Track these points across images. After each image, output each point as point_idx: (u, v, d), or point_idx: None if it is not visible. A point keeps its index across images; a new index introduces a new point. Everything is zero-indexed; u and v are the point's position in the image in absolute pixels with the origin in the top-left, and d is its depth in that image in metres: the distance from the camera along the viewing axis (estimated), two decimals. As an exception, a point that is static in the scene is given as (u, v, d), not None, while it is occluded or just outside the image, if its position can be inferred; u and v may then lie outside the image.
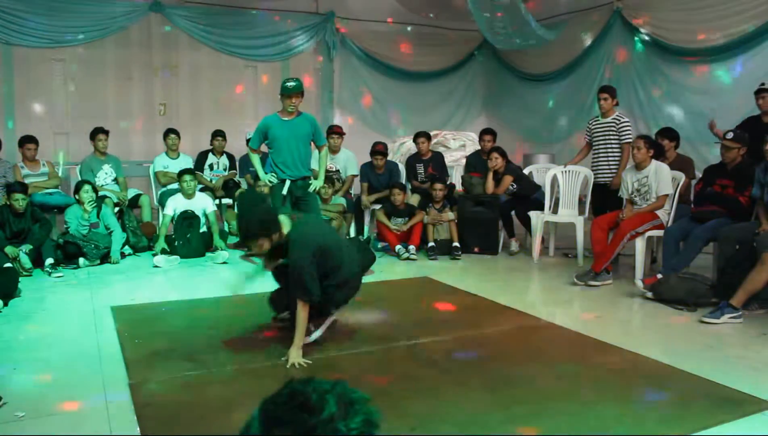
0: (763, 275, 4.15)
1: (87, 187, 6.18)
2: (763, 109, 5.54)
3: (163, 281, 5.59)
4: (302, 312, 3.41)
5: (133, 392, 3.00)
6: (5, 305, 4.47)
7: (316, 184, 5.56)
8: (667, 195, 5.35)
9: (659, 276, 4.87)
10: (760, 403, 2.88)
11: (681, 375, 3.24)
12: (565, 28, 8.96)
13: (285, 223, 3.41)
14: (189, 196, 6.51)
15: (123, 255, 6.26)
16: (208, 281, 5.52)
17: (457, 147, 8.45)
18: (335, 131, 7.31)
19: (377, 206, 7.00)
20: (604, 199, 6.19)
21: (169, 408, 2.90)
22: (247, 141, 6.07)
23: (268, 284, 3.99)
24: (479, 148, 7.45)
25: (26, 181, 6.48)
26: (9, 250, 5.41)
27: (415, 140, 7.42)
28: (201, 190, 6.93)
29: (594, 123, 6.41)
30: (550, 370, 3.36)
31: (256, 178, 6.18)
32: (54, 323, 4.20)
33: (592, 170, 6.37)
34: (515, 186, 6.77)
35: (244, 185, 7.63)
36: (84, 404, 2.89)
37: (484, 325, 4.21)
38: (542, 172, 7.19)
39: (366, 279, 4.93)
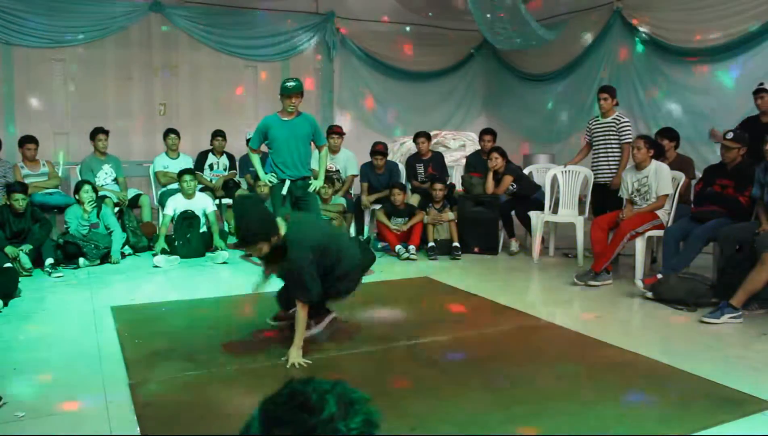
0: (763, 275, 4.15)
1: (87, 187, 6.18)
2: (761, 109, 5.54)
3: (163, 281, 5.59)
4: (302, 312, 3.41)
5: (133, 392, 3.00)
6: (5, 305, 4.48)
7: (316, 184, 5.56)
8: (667, 195, 5.35)
9: (659, 276, 4.87)
10: (760, 403, 2.88)
11: (681, 375, 3.24)
12: (565, 28, 8.96)
13: (281, 225, 3.41)
14: (189, 196, 6.51)
15: (123, 255, 6.26)
16: (208, 281, 5.52)
17: (457, 147, 8.45)
18: (335, 131, 7.31)
19: (377, 206, 7.00)
20: (604, 199, 6.19)
21: (169, 408, 2.90)
22: (247, 141, 6.07)
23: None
24: (479, 148, 7.45)
25: (26, 181, 6.48)
26: (9, 250, 5.41)
27: (415, 140, 7.42)
28: (201, 190, 6.93)
29: (594, 123, 6.41)
30: (550, 370, 3.36)
31: (256, 178, 6.18)
32: (54, 323, 4.20)
33: (592, 170, 6.37)
34: (515, 186, 6.77)
35: (244, 185, 7.63)
36: (84, 404, 2.89)
37: (484, 325, 4.21)
38: (542, 172, 7.19)
39: (366, 279, 4.93)
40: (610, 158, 6.22)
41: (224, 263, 6.13)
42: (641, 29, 8.16)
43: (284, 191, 5.40)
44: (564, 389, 3.08)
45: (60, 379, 3.18)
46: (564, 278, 5.50)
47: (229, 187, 7.47)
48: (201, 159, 7.69)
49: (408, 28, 10.25)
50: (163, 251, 6.10)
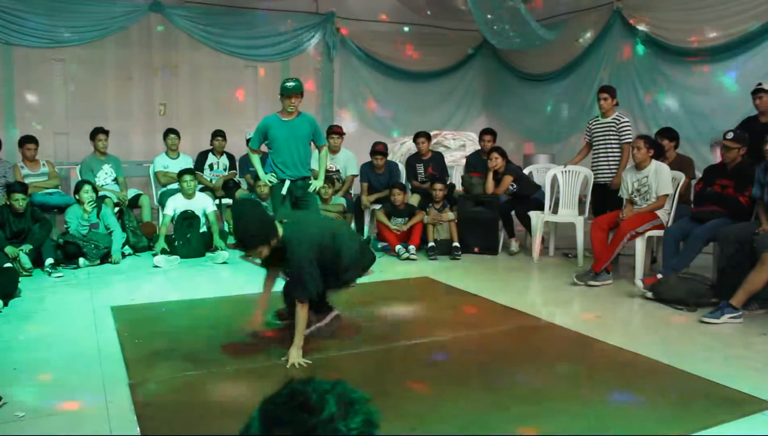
0: (763, 275, 4.15)
1: (87, 187, 6.18)
2: (760, 109, 5.54)
3: (163, 281, 5.59)
4: (302, 312, 3.41)
5: (133, 392, 3.00)
6: (5, 305, 4.48)
7: (316, 184, 5.56)
8: (667, 195, 5.35)
9: (659, 276, 4.87)
10: (760, 403, 2.88)
11: (681, 375, 3.24)
12: (565, 28, 8.96)
13: (278, 227, 3.41)
14: (189, 196, 6.51)
15: (123, 255, 6.26)
16: (208, 281, 5.52)
17: (457, 147, 8.45)
18: (335, 131, 7.31)
19: (377, 206, 7.00)
20: (604, 199, 6.19)
21: (169, 408, 2.90)
22: (247, 141, 6.07)
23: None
24: (479, 148, 7.45)
25: (26, 181, 6.48)
26: (9, 250, 5.41)
27: (415, 140, 7.42)
28: (201, 190, 6.93)
29: (594, 123, 6.41)
30: (550, 370, 3.36)
31: (256, 178, 6.18)
32: (54, 323, 4.20)
33: (592, 170, 6.37)
34: (515, 186, 6.77)
35: (244, 185, 7.63)
36: (84, 404, 2.89)
37: (484, 325, 4.21)
38: (542, 172, 7.19)
39: (366, 279, 4.93)
40: (610, 158, 6.22)
41: (224, 263, 6.13)
42: (641, 29, 8.17)
43: (284, 191, 5.39)
44: (564, 389, 3.08)
45: (60, 379, 3.18)
46: (564, 278, 5.50)
47: (229, 187, 7.47)
48: (201, 159, 7.68)
49: (408, 28, 10.26)
50: (163, 251, 6.10)
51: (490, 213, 6.65)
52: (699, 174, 5.70)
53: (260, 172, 5.59)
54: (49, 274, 5.54)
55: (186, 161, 7.49)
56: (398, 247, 6.40)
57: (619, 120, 6.19)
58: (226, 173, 7.71)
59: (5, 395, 2.86)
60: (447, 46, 10.51)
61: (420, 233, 6.53)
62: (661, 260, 5.39)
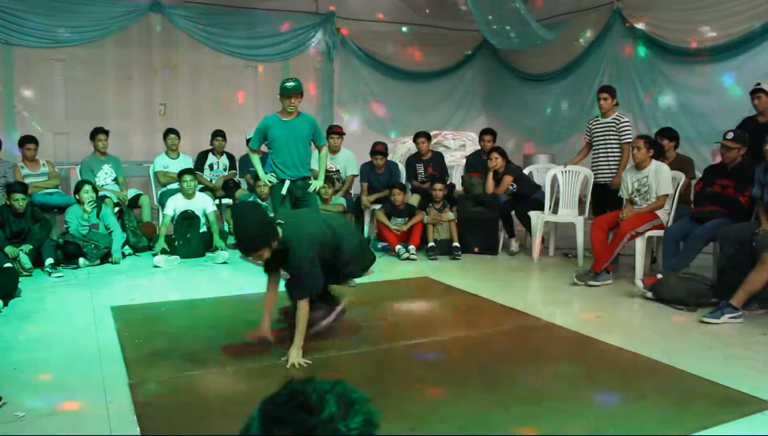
0: (763, 275, 4.15)
1: (87, 187, 6.18)
2: (758, 109, 5.54)
3: (163, 281, 5.59)
4: (302, 311, 3.41)
5: (133, 392, 3.00)
6: (5, 305, 4.48)
7: (316, 184, 5.56)
8: (667, 195, 5.35)
9: (659, 276, 4.87)
10: (760, 403, 2.88)
11: (681, 375, 3.24)
12: (565, 28, 8.96)
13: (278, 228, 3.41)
14: (189, 196, 6.51)
15: (123, 255, 6.25)
16: (208, 281, 5.53)
17: (457, 147, 8.45)
18: (335, 131, 7.31)
19: (377, 206, 7.00)
20: (604, 199, 6.19)
21: (169, 408, 2.90)
22: (247, 141, 6.07)
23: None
24: (479, 148, 7.45)
25: (26, 181, 6.48)
26: (9, 250, 5.41)
27: (415, 140, 7.42)
28: (201, 190, 6.93)
29: (594, 123, 6.41)
30: (550, 370, 3.36)
31: (256, 178, 6.18)
32: (54, 323, 4.20)
33: (592, 170, 6.37)
34: (515, 186, 6.77)
35: (244, 185, 7.63)
36: (84, 404, 2.89)
37: (484, 325, 4.21)
38: (542, 172, 7.19)
39: (366, 279, 4.93)
40: (610, 158, 6.22)
41: (224, 263, 6.13)
42: (641, 29, 8.16)
43: (284, 191, 5.39)
44: (564, 389, 3.08)
45: (60, 379, 3.18)
46: (564, 278, 5.50)
47: (229, 187, 7.47)
48: (201, 159, 7.69)
49: (408, 28, 10.26)
50: (163, 251, 6.10)
51: (490, 213, 6.65)
52: (699, 174, 5.70)
53: (260, 172, 5.59)
54: (49, 274, 5.54)
55: (186, 161, 7.49)
56: (398, 247, 6.40)
57: (619, 120, 6.19)
58: (226, 173, 7.71)
59: (5, 395, 2.86)
60: (447, 46, 10.51)
61: (420, 233, 6.53)
62: (661, 260, 5.39)
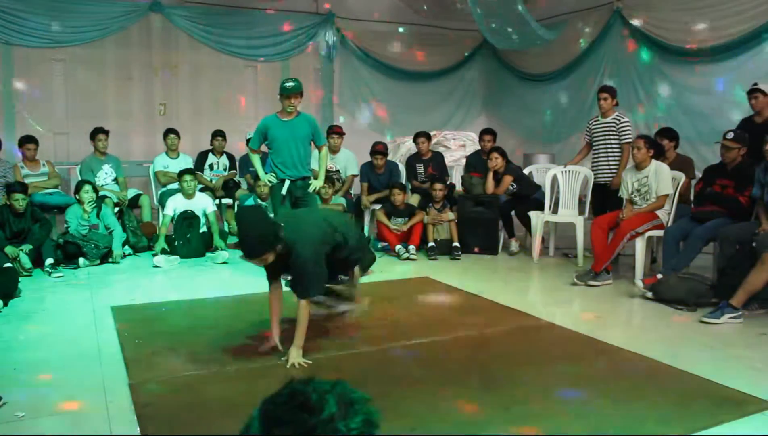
0: (763, 275, 4.15)
1: (87, 187, 6.18)
2: (755, 110, 5.54)
3: (163, 281, 5.59)
4: (303, 311, 3.41)
5: (133, 392, 3.00)
6: (5, 305, 4.47)
7: (316, 184, 5.56)
8: (667, 195, 5.35)
9: (659, 276, 4.87)
10: (760, 403, 2.88)
11: (681, 375, 3.24)
12: (565, 28, 8.96)
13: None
14: (189, 196, 6.51)
15: (123, 255, 6.25)
16: (208, 281, 5.52)
17: (457, 147, 8.45)
18: (335, 131, 7.31)
19: (377, 206, 7.00)
20: (604, 199, 6.19)
21: (169, 408, 2.90)
22: (247, 141, 6.07)
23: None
24: (479, 148, 7.45)
25: (26, 181, 6.48)
26: (9, 250, 5.41)
27: (415, 140, 7.42)
28: (201, 190, 6.93)
29: (594, 123, 6.42)
30: (550, 370, 3.36)
31: (256, 178, 6.18)
32: (54, 323, 4.20)
33: (592, 170, 6.38)
34: (515, 186, 6.77)
35: (244, 185, 7.63)
36: (84, 404, 2.89)
37: (484, 325, 4.21)
38: (542, 172, 7.19)
39: (366, 279, 4.94)
40: (610, 158, 6.23)
41: (224, 263, 6.13)
42: (641, 29, 8.16)
43: (284, 191, 5.40)
44: (564, 389, 3.07)
45: (60, 379, 3.18)
46: (564, 278, 5.50)
47: (229, 187, 7.48)
48: (201, 159, 7.69)
49: (408, 28, 10.25)
50: (163, 251, 6.09)
51: (490, 213, 6.65)
52: (699, 174, 5.70)
53: (260, 173, 5.59)
54: (49, 274, 5.53)
55: (186, 161, 7.49)
56: (398, 247, 6.40)
57: (619, 120, 6.19)
58: (226, 173, 7.71)
59: (5, 395, 2.86)
60: (447, 46, 10.51)
61: (420, 233, 6.53)
62: (661, 260, 5.39)
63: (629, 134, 6.13)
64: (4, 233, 5.70)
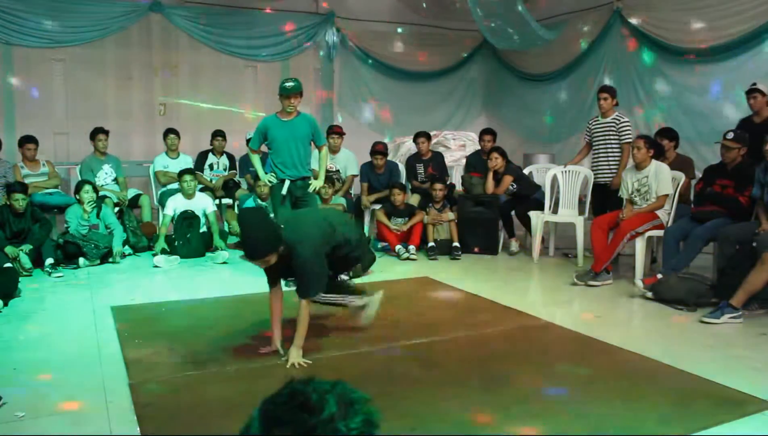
0: (763, 275, 4.15)
1: (87, 187, 6.19)
2: (754, 109, 5.54)
3: (163, 281, 5.59)
4: (304, 311, 3.41)
5: (133, 392, 3.00)
6: (5, 305, 4.47)
7: (316, 184, 5.56)
8: (667, 195, 5.35)
9: (659, 276, 4.87)
10: (760, 403, 2.88)
11: (681, 375, 3.24)
12: (565, 28, 8.96)
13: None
14: (189, 196, 6.51)
15: (123, 255, 6.25)
16: (208, 281, 5.53)
17: (457, 147, 8.45)
18: (335, 131, 7.31)
19: (377, 206, 7.00)
20: (604, 199, 6.19)
21: (169, 408, 2.90)
22: (247, 141, 6.07)
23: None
24: (479, 148, 7.45)
25: (26, 181, 6.48)
26: (9, 250, 5.41)
27: (415, 140, 7.42)
28: (201, 190, 6.93)
29: (594, 123, 6.42)
30: (550, 370, 3.36)
31: (256, 178, 6.18)
32: (54, 323, 4.19)
33: (592, 170, 6.38)
34: (515, 186, 6.77)
35: (244, 185, 7.63)
36: (84, 404, 2.89)
37: (484, 325, 4.21)
38: (542, 172, 7.19)
39: (366, 279, 4.94)
40: (610, 158, 6.23)
41: (224, 263, 6.13)
42: (641, 29, 8.16)
43: (284, 191, 5.40)
44: (564, 389, 3.07)
45: (60, 379, 3.18)
46: (564, 278, 5.50)
47: (229, 187, 7.48)
48: (201, 159, 7.69)
49: (408, 28, 10.25)
50: (163, 251, 6.09)
51: (490, 213, 6.65)
52: (699, 174, 5.70)
53: (260, 173, 5.59)
54: (49, 274, 5.53)
55: (186, 161, 7.49)
56: (398, 247, 6.40)
57: (619, 120, 6.19)
58: (226, 173, 7.71)
59: (5, 395, 2.86)
60: (447, 46, 10.51)
61: (420, 233, 6.53)
62: (661, 260, 5.39)
63: (629, 134, 6.14)
64: (4, 233, 5.70)
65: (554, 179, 6.59)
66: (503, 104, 10.70)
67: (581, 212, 6.43)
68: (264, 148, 5.64)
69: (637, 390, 3.06)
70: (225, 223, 7.26)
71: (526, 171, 7.21)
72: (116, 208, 6.63)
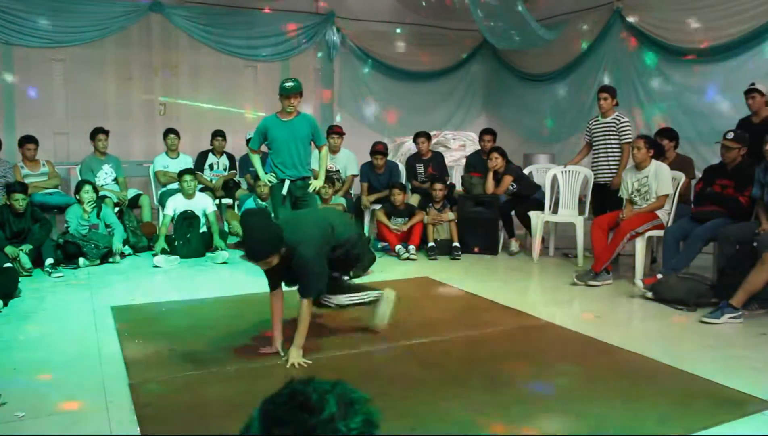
0: (763, 275, 4.15)
1: (87, 187, 6.19)
2: (752, 110, 5.54)
3: (163, 281, 5.59)
4: (305, 311, 3.42)
5: (133, 392, 3.00)
6: (5, 305, 4.47)
7: (316, 184, 5.56)
8: (667, 195, 5.35)
9: (659, 276, 4.87)
10: (760, 403, 2.88)
11: (681, 375, 3.24)
12: (565, 28, 8.96)
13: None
14: (189, 196, 6.51)
15: (123, 255, 6.25)
16: (208, 281, 5.53)
17: (457, 147, 8.45)
18: (335, 131, 7.31)
19: (377, 206, 7.00)
20: (604, 199, 6.19)
21: (169, 408, 2.90)
22: (247, 141, 6.07)
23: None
24: (479, 148, 7.45)
25: (26, 181, 6.48)
26: (9, 250, 5.41)
27: (415, 140, 7.42)
28: (201, 190, 6.93)
29: (594, 123, 6.42)
30: (550, 370, 3.36)
31: (256, 178, 6.19)
32: (54, 323, 4.19)
33: (592, 170, 6.38)
34: (515, 186, 6.77)
35: (244, 185, 7.63)
36: (84, 404, 2.89)
37: (484, 325, 4.21)
38: (542, 172, 7.19)
39: (366, 279, 4.94)
40: (610, 158, 6.23)
41: (224, 263, 6.13)
42: (641, 29, 8.16)
43: (284, 191, 5.40)
44: (564, 389, 3.08)
45: (60, 379, 3.18)
46: (564, 278, 5.50)
47: (229, 187, 7.47)
48: (201, 159, 7.69)
49: (408, 28, 10.25)
50: (163, 251, 6.09)
51: (490, 213, 6.65)
52: (699, 174, 5.70)
53: (260, 173, 5.59)
54: (49, 274, 5.53)
55: (186, 161, 7.49)
56: (398, 247, 6.40)
57: (619, 120, 6.19)
58: (226, 173, 7.71)
59: (5, 395, 2.86)
60: (447, 46, 10.50)
61: (420, 233, 6.53)
62: (661, 260, 5.39)
63: (629, 134, 6.14)
64: (4, 233, 5.70)
65: (554, 179, 6.59)
66: (503, 104, 10.70)
67: (581, 212, 6.43)
68: (264, 148, 5.64)
69: (637, 390, 3.06)
70: (225, 223, 7.25)
71: (526, 171, 7.21)
72: (116, 209, 6.63)
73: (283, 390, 0.98)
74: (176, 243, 6.32)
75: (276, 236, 3.25)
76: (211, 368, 3.35)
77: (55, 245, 5.86)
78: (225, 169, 7.73)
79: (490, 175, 6.75)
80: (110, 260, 6.04)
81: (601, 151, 6.30)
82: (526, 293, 5.43)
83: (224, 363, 3.42)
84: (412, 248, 6.38)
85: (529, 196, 6.74)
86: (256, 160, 5.59)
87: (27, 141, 6.91)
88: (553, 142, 9.51)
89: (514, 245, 6.72)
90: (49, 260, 5.61)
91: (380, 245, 6.67)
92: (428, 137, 7.40)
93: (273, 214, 5.31)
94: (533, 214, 6.46)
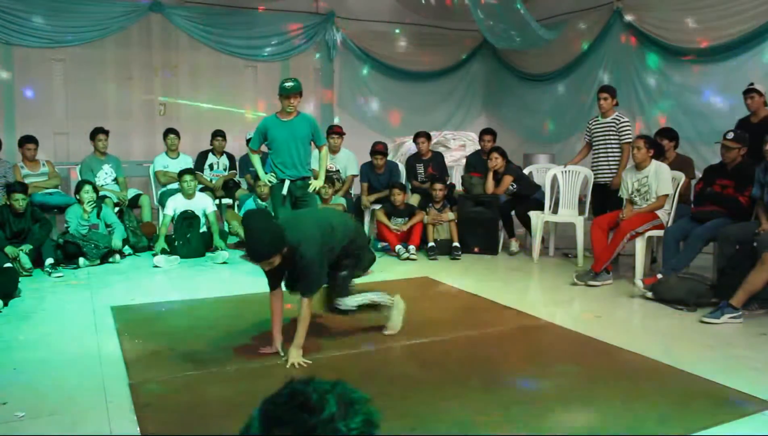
0: (763, 275, 4.15)
1: (88, 187, 6.19)
2: (751, 109, 5.54)
3: (163, 281, 5.59)
4: (305, 310, 3.42)
5: (133, 392, 3.00)
6: (5, 305, 4.47)
7: (316, 184, 5.56)
8: (667, 195, 5.35)
9: (659, 276, 4.88)
10: (760, 403, 2.88)
11: (681, 375, 3.24)
12: (565, 28, 8.96)
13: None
14: (189, 196, 6.51)
15: (123, 255, 6.25)
16: (208, 281, 5.52)
17: (457, 147, 8.45)
18: (335, 131, 7.31)
19: (377, 206, 7.00)
20: (604, 199, 6.19)
21: (169, 408, 2.90)
22: (247, 141, 6.07)
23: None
24: (479, 148, 7.45)
25: (26, 181, 6.48)
26: (9, 250, 5.41)
27: (415, 140, 7.42)
28: (201, 190, 6.93)
29: (594, 123, 6.42)
30: (550, 370, 3.36)
31: (256, 178, 6.19)
32: (54, 323, 4.19)
33: (592, 170, 6.38)
34: (515, 186, 6.77)
35: (244, 185, 7.63)
36: (84, 404, 2.89)
37: (484, 325, 4.21)
38: (542, 172, 7.19)
39: (366, 279, 4.93)
40: (610, 158, 6.23)
41: (224, 263, 6.13)
42: (641, 29, 8.16)
43: (284, 191, 5.40)
44: (564, 389, 3.08)
45: (60, 379, 3.18)
46: (564, 278, 5.50)
47: (229, 187, 7.47)
48: (201, 159, 7.69)
49: (408, 28, 10.25)
50: (163, 251, 6.09)
51: (490, 213, 6.65)
52: (699, 174, 5.70)
53: (260, 173, 5.59)
54: (49, 274, 5.53)
55: (186, 161, 7.49)
56: (398, 247, 6.40)
57: (619, 120, 6.19)
58: (226, 173, 7.71)
59: (5, 395, 2.86)
60: (447, 46, 10.50)
61: (420, 233, 6.53)
62: (661, 260, 5.39)
63: (629, 134, 6.14)
64: (4, 232, 5.70)
65: (554, 179, 6.59)
66: (503, 104, 10.70)
67: (581, 212, 6.43)
68: (264, 148, 5.64)
69: (637, 390, 3.06)
70: (225, 223, 7.25)
71: (526, 171, 7.21)
72: (116, 209, 6.63)
73: (283, 390, 0.98)
74: (176, 243, 6.32)
75: (278, 236, 3.26)
76: (211, 368, 3.35)
77: (55, 245, 5.86)
78: (225, 169, 7.73)
79: (490, 175, 6.75)
80: (110, 259, 6.04)
81: (601, 151, 6.30)
82: (526, 293, 5.43)
83: (224, 363, 3.42)
84: (412, 248, 6.38)
85: (529, 196, 6.74)
86: (256, 160, 5.59)
87: (27, 141, 6.91)
88: (553, 142, 9.51)
89: (514, 245, 6.72)
90: (49, 260, 5.61)
91: (380, 245, 6.67)
92: (428, 137, 7.40)
93: (273, 214, 5.31)
94: (533, 215, 6.46)
